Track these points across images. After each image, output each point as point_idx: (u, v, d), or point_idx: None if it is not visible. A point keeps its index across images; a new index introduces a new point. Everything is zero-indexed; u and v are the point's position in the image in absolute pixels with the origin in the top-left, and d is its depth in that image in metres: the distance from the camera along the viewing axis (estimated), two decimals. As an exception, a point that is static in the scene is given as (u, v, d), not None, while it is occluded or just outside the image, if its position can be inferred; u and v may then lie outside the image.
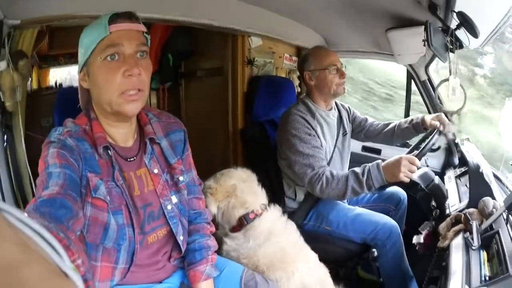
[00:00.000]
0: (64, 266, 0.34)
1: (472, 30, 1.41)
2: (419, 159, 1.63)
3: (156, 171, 1.15)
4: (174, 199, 1.18)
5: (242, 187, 1.64)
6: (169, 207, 1.16)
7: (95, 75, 1.02)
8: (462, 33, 1.49)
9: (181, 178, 1.21)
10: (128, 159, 1.12)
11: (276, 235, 1.58)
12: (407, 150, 1.92)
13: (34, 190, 1.34)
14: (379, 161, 1.69)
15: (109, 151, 1.06)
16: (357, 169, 1.71)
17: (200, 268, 1.23)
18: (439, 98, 2.15)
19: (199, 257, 1.24)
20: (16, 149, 1.40)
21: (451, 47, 1.48)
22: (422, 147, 1.70)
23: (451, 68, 1.50)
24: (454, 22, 1.47)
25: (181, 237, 1.20)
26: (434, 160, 2.32)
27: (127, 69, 0.99)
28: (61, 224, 0.74)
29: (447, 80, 1.56)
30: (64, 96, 1.48)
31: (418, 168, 1.66)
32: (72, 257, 0.43)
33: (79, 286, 0.35)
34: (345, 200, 2.13)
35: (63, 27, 3.12)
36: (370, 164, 1.69)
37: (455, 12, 1.38)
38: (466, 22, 1.40)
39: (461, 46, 1.53)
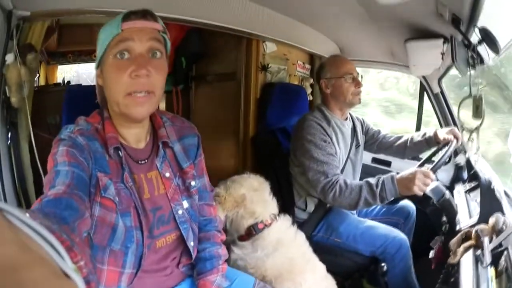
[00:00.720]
0: (65, 267, 0.34)
1: (494, 46, 1.40)
2: (434, 173, 1.62)
3: (167, 174, 1.13)
4: (186, 204, 1.16)
5: (252, 196, 1.63)
6: (180, 212, 1.14)
7: (106, 73, 1.01)
8: (482, 49, 1.49)
9: (193, 183, 1.18)
10: (139, 161, 1.09)
11: (284, 245, 1.58)
12: (418, 163, 1.91)
13: (39, 188, 1.31)
14: (394, 173, 1.68)
15: (119, 152, 1.04)
16: (371, 180, 1.70)
17: (210, 278, 1.21)
18: (455, 115, 2.14)
19: (210, 266, 1.22)
20: (21, 148, 1.38)
21: (473, 63, 1.48)
22: (437, 160, 1.69)
23: (472, 85, 1.49)
24: (475, 37, 1.46)
25: (192, 243, 1.18)
26: (443, 174, 2.30)
27: (134, 69, 0.96)
28: (65, 225, 0.72)
29: (468, 97, 1.55)
30: (73, 95, 1.47)
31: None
32: (74, 258, 0.43)
33: (80, 286, 0.35)
34: (355, 212, 2.13)
35: (72, 24, 3.11)
36: (384, 176, 1.68)
37: (477, 27, 1.38)
38: (488, 38, 1.39)
39: (482, 61, 1.52)
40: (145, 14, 1.00)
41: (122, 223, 1.00)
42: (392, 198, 1.67)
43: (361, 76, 2.00)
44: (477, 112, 1.57)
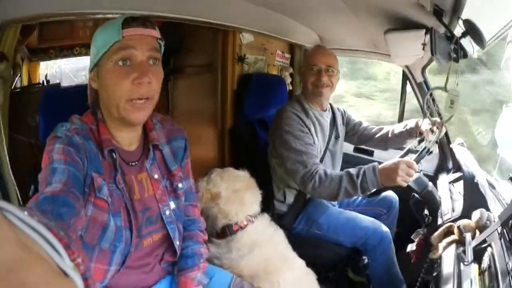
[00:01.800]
0: (64, 265, 0.35)
1: (479, 39, 1.37)
2: (417, 163, 1.61)
3: (156, 176, 1.16)
4: (172, 205, 1.19)
5: (229, 196, 1.62)
6: (167, 212, 1.17)
7: (105, 78, 1.02)
8: (466, 41, 1.46)
9: (180, 185, 1.22)
10: (130, 163, 1.12)
11: (260, 246, 1.58)
12: (401, 152, 1.90)
13: (18, 195, 1.30)
14: (376, 163, 1.66)
15: (113, 154, 1.06)
16: (352, 170, 1.67)
17: (191, 274, 1.22)
18: (427, 104, 2.13)
19: (191, 263, 1.24)
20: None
21: (456, 56, 1.45)
22: (420, 151, 1.67)
23: (449, 78, 1.46)
24: (459, 30, 1.43)
25: (177, 242, 1.21)
26: (427, 164, 2.30)
27: (137, 77, 0.99)
28: (62, 222, 0.75)
29: (441, 88, 1.53)
30: (50, 98, 1.43)
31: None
32: (72, 255, 0.41)
33: (79, 285, 0.36)
34: (336, 203, 2.13)
35: (52, 20, 3.03)
36: (366, 166, 1.66)
37: (461, 19, 1.34)
38: (473, 31, 1.36)
39: (465, 55, 1.49)
40: (145, 21, 1.03)
41: (113, 223, 1.03)
42: (374, 189, 1.65)
43: (337, 71, 1.99)
44: (452, 106, 1.55)
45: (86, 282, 0.43)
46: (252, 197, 1.69)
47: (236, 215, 1.61)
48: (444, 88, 1.51)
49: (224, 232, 1.62)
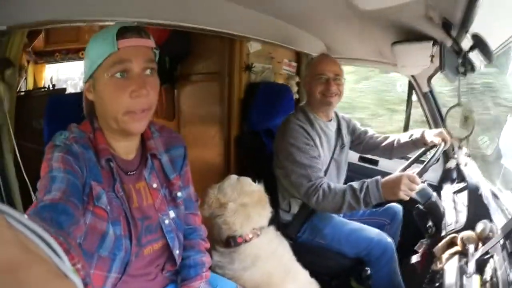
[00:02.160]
0: (64, 268, 0.34)
1: (487, 53, 1.38)
2: (420, 177, 1.61)
3: (155, 185, 1.15)
4: (172, 214, 1.19)
5: (235, 209, 1.62)
6: (166, 221, 1.17)
7: (101, 90, 1.01)
8: (473, 55, 1.47)
9: (179, 194, 1.21)
10: (128, 173, 1.12)
11: (263, 260, 1.58)
12: (406, 162, 1.90)
13: (27, 202, 1.30)
14: (379, 177, 1.66)
15: (111, 163, 1.06)
16: (355, 185, 1.68)
17: (194, 284, 1.22)
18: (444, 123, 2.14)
19: (194, 273, 1.24)
20: (5, 161, 1.36)
21: (463, 70, 1.46)
22: (424, 164, 1.68)
23: (460, 94, 1.47)
24: (466, 43, 1.44)
25: (177, 251, 1.21)
26: (431, 173, 2.29)
27: (135, 90, 0.98)
28: (61, 230, 0.74)
29: (457, 105, 1.53)
30: (54, 103, 1.44)
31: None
32: (72, 260, 0.43)
33: (79, 287, 0.35)
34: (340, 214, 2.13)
35: None
36: (369, 181, 1.67)
37: (469, 33, 1.35)
38: (481, 45, 1.37)
39: (473, 69, 1.50)
40: (140, 31, 1.01)
41: (113, 231, 1.02)
42: (376, 203, 1.66)
43: (344, 79, 1.98)
44: (466, 123, 1.56)
45: (86, 287, 0.44)
46: (262, 211, 1.68)
47: (240, 228, 1.61)
48: (458, 104, 1.52)
49: (228, 242, 1.62)
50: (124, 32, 0.97)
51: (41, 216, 0.75)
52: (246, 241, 1.60)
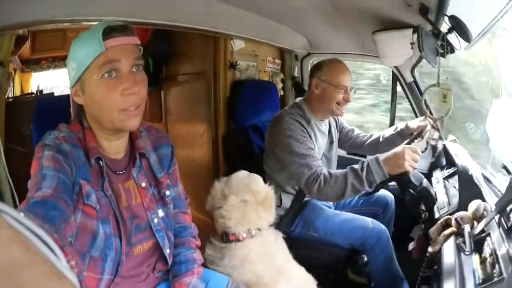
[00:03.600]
0: (61, 266, 0.35)
1: (465, 34, 1.40)
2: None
3: (143, 184, 1.17)
4: (161, 213, 1.20)
5: (234, 205, 1.59)
6: (155, 220, 1.18)
7: (93, 93, 1.01)
8: (453, 37, 1.50)
9: (167, 193, 1.22)
10: (118, 172, 1.13)
11: (251, 262, 1.55)
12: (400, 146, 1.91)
13: (17, 204, 1.30)
14: (378, 155, 1.66)
15: (100, 162, 1.07)
16: (356, 166, 1.67)
17: (185, 280, 1.23)
18: (425, 103, 2.16)
19: (185, 269, 1.25)
20: None
21: (442, 51, 1.48)
22: (420, 138, 1.69)
23: (440, 74, 1.50)
24: (445, 26, 1.47)
25: (168, 250, 1.22)
26: (421, 161, 2.31)
27: (127, 88, 0.99)
28: (54, 226, 0.75)
29: (435, 85, 1.56)
30: (43, 107, 1.43)
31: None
32: (66, 257, 0.42)
33: (76, 285, 0.36)
34: (332, 205, 2.14)
35: (45, 30, 3.07)
36: (368, 159, 1.65)
37: (447, 15, 1.38)
38: (458, 26, 1.40)
39: (452, 50, 1.53)
40: (125, 29, 1.01)
41: (103, 230, 1.03)
42: (380, 180, 1.63)
43: (354, 90, 1.99)
44: (445, 100, 1.58)
45: (80, 284, 0.44)
46: (262, 213, 1.64)
47: (234, 226, 1.58)
48: (437, 84, 1.54)
49: (222, 237, 1.60)
50: (109, 32, 0.97)
51: (32, 212, 0.76)
52: (238, 240, 1.57)
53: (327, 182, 1.68)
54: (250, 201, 1.61)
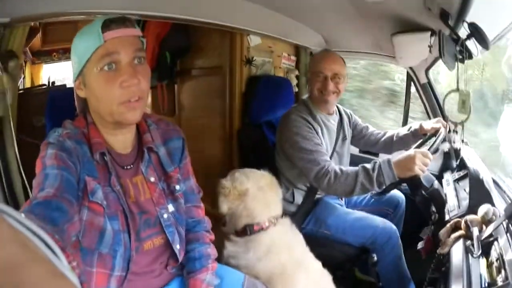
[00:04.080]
0: (62, 267, 0.35)
1: (484, 41, 1.42)
2: (432, 154, 1.64)
3: (152, 179, 1.15)
4: (171, 207, 1.18)
5: (255, 194, 1.62)
6: (165, 215, 1.16)
7: (92, 86, 1.00)
8: (470, 43, 1.51)
9: (177, 187, 1.20)
10: (125, 167, 1.11)
11: (277, 251, 1.57)
12: (412, 149, 1.92)
13: (28, 195, 1.30)
14: (390, 157, 1.68)
15: (105, 157, 1.05)
16: (368, 165, 1.69)
17: (200, 276, 1.22)
18: (442, 107, 2.16)
19: (199, 265, 1.23)
20: (8, 155, 1.36)
21: (461, 57, 1.49)
22: (432, 143, 1.71)
23: (459, 79, 1.51)
24: (463, 32, 1.48)
25: (178, 246, 1.19)
26: (432, 163, 2.31)
27: (125, 80, 0.97)
28: (56, 227, 0.75)
29: (455, 90, 1.57)
30: (55, 98, 1.44)
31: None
32: (67, 258, 0.42)
33: (77, 286, 0.35)
34: (344, 204, 2.16)
35: (56, 22, 3.09)
36: (381, 160, 1.67)
37: (467, 22, 1.39)
38: (477, 33, 1.41)
39: (470, 56, 1.54)
40: (125, 21, 1.00)
41: (110, 226, 1.02)
42: (390, 182, 1.66)
43: (343, 77, 1.98)
44: (464, 106, 1.59)
45: (82, 285, 0.45)
46: (276, 198, 1.69)
47: (260, 215, 1.60)
48: (457, 89, 1.56)
49: (244, 231, 1.61)
50: (108, 24, 0.96)
51: (35, 213, 0.75)
52: (262, 229, 1.60)
53: (337, 178, 1.71)
54: (265, 186, 1.65)
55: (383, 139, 2.23)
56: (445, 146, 2.19)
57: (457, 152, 2.03)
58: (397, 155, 1.68)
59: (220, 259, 1.39)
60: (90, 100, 1.05)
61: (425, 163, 1.60)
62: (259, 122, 2.44)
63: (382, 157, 2.59)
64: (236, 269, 1.45)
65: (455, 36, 1.50)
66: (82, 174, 0.98)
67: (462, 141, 1.92)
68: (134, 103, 1.01)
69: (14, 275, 0.29)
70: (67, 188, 0.89)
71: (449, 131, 1.96)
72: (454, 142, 1.91)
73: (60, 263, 0.35)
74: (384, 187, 1.68)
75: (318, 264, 1.65)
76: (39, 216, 0.74)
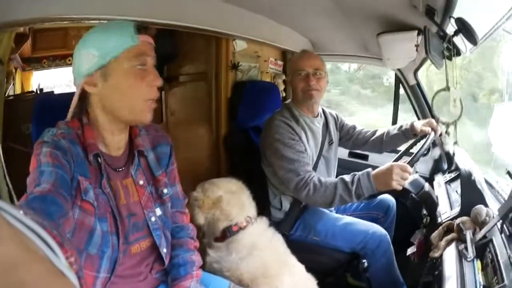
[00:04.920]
0: (60, 265, 0.35)
1: (471, 37, 1.39)
2: (411, 166, 1.61)
3: (141, 182, 1.17)
4: (158, 211, 1.20)
5: (229, 199, 1.66)
6: (153, 219, 1.18)
7: (119, 81, 1.03)
8: (458, 40, 1.48)
9: (165, 191, 1.22)
10: (117, 169, 1.13)
11: (258, 249, 1.59)
12: (396, 155, 1.90)
13: (14, 198, 1.30)
14: (369, 169, 1.66)
15: (98, 159, 1.07)
16: (347, 177, 1.68)
17: (184, 283, 1.22)
18: (431, 107, 2.14)
19: (184, 272, 1.24)
20: None
21: (448, 54, 1.47)
22: (414, 153, 1.68)
23: (448, 77, 1.48)
24: (451, 28, 1.46)
25: (164, 250, 1.22)
26: (422, 165, 2.30)
27: (152, 80, 1.05)
28: (53, 222, 0.76)
29: (444, 89, 1.55)
30: (42, 104, 1.43)
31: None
32: (65, 254, 0.42)
33: (75, 284, 0.36)
34: (333, 209, 2.12)
35: (45, 28, 3.07)
36: (360, 173, 1.66)
37: (453, 18, 1.36)
38: (465, 29, 1.38)
39: (458, 53, 1.51)
40: (147, 30, 1.08)
41: (100, 227, 1.03)
42: (369, 195, 1.66)
43: (324, 73, 1.97)
44: (455, 105, 1.57)
45: (79, 281, 0.43)
46: (249, 199, 1.73)
47: (237, 216, 1.64)
48: (447, 88, 1.54)
49: (224, 235, 1.63)
50: (140, 28, 1.04)
51: (32, 207, 0.77)
52: (241, 228, 1.63)
53: (316, 190, 1.71)
54: (238, 191, 1.71)
55: (372, 138, 2.20)
56: (436, 153, 2.17)
57: (448, 155, 2.00)
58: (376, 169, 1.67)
59: (203, 267, 1.39)
60: (107, 95, 1.06)
61: (403, 177, 1.58)
62: (245, 128, 2.41)
63: (372, 159, 2.58)
64: (220, 274, 1.49)
65: (441, 32, 1.47)
66: (76, 173, 1.00)
67: (455, 142, 1.89)
68: (152, 104, 1.08)
69: (13, 274, 0.29)
70: (62, 185, 0.91)
71: (440, 134, 1.93)
72: (445, 145, 1.88)
73: (59, 261, 0.36)
74: (362, 198, 1.69)
75: (302, 268, 1.65)
76: (36, 210, 0.76)
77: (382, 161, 1.83)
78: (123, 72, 1.02)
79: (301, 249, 1.74)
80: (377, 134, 2.19)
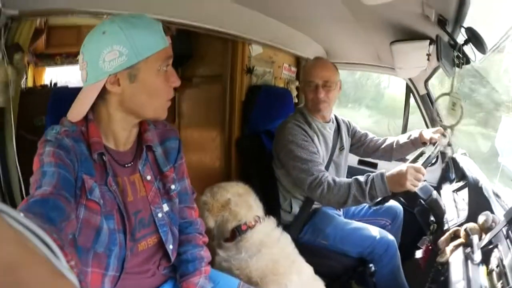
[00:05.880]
0: (61, 267, 0.35)
1: (481, 46, 1.42)
2: (424, 168, 1.62)
3: (149, 178, 1.15)
4: (166, 207, 1.19)
5: (237, 200, 1.68)
6: (159, 215, 1.16)
7: (149, 81, 1.02)
8: (468, 49, 1.51)
9: (172, 187, 1.21)
10: (125, 165, 1.12)
11: (268, 247, 1.60)
12: (405, 164, 1.91)
13: (23, 192, 1.29)
14: (383, 171, 1.67)
15: (103, 157, 1.04)
16: (361, 178, 1.68)
17: (193, 280, 1.22)
18: (437, 111, 2.17)
19: (192, 268, 1.23)
20: (6, 148, 1.34)
21: (458, 62, 1.50)
22: (426, 157, 1.70)
23: (454, 83, 1.51)
24: (461, 37, 1.49)
25: (171, 246, 1.20)
26: (430, 175, 2.31)
27: (174, 81, 1.07)
28: (54, 226, 0.73)
29: (447, 94, 1.57)
30: (58, 97, 1.43)
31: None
32: (65, 257, 0.42)
33: (76, 285, 0.35)
34: (342, 214, 2.14)
35: (60, 25, 3.10)
36: (374, 174, 1.66)
37: (464, 27, 1.40)
38: (474, 38, 1.41)
39: (468, 61, 1.54)
40: (169, 30, 1.08)
41: (106, 225, 1.02)
42: (382, 196, 1.65)
43: (335, 84, 1.97)
44: (454, 109, 1.59)
45: (80, 284, 0.45)
46: (256, 201, 1.75)
47: (245, 215, 1.65)
48: (449, 93, 1.56)
49: (233, 235, 1.64)
50: (165, 30, 1.04)
51: (32, 212, 0.74)
52: (250, 227, 1.64)
53: (330, 189, 1.71)
54: (245, 194, 1.73)
55: (382, 146, 2.21)
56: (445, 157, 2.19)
57: (455, 161, 2.01)
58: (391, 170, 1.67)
59: (212, 266, 1.38)
60: (132, 95, 1.02)
61: (417, 178, 1.58)
62: (258, 132, 2.43)
63: (381, 167, 2.58)
64: (229, 272, 1.48)
65: (452, 41, 1.51)
66: (80, 172, 0.98)
67: (449, 144, 1.91)
68: (169, 102, 1.10)
69: (14, 275, 0.29)
70: (64, 186, 0.89)
71: (449, 144, 1.95)
72: (440, 146, 1.89)
73: (60, 263, 0.35)
74: (376, 200, 1.68)
75: (310, 268, 1.66)
76: (37, 214, 0.73)
77: (391, 169, 1.84)
78: (153, 73, 1.02)
79: (309, 252, 1.74)
80: (387, 142, 2.21)
